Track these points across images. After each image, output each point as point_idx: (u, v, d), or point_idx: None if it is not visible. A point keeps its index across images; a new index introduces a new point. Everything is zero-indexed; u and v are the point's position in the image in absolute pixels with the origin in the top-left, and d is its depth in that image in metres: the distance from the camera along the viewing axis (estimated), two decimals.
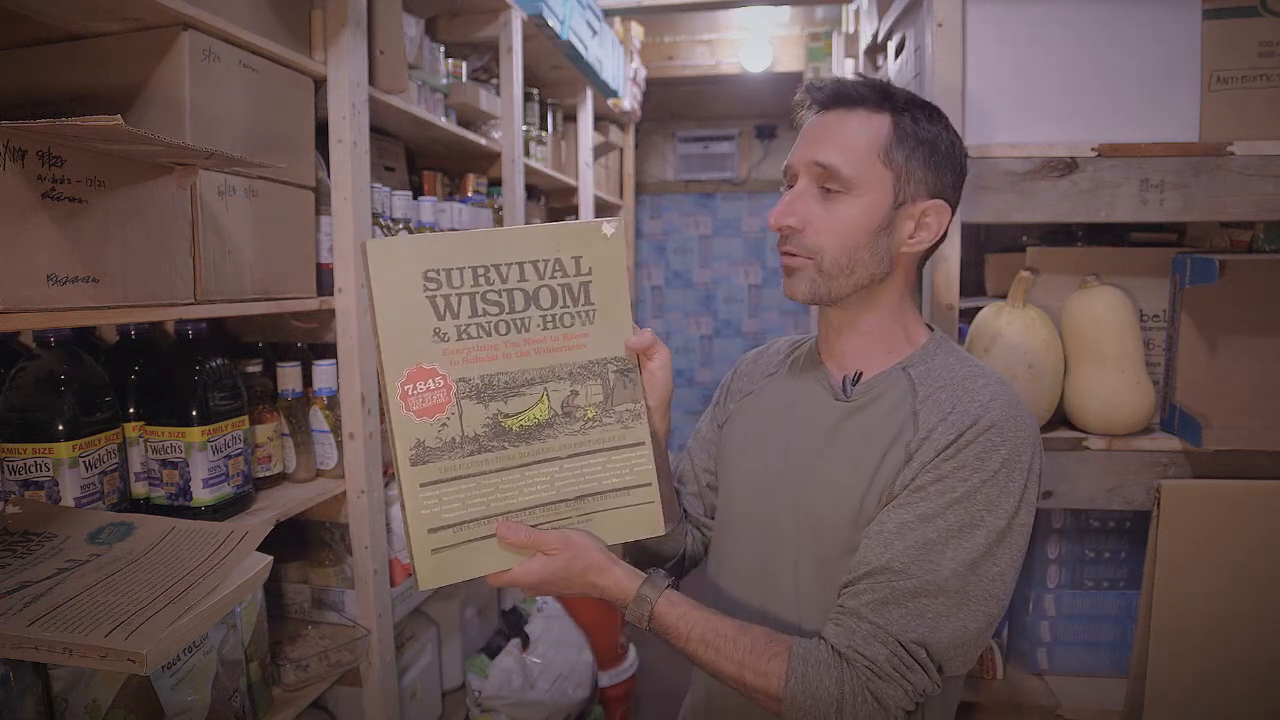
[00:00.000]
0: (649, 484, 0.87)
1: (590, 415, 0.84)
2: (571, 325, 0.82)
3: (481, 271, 0.78)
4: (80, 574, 0.88)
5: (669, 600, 0.84)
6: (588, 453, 0.84)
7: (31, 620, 0.79)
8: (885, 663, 0.80)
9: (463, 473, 0.78)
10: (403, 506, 0.76)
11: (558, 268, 0.81)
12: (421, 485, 0.76)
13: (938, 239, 0.94)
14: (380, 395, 0.77)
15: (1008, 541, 0.83)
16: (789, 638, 0.84)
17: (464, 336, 0.77)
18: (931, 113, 0.93)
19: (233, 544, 0.98)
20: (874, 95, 0.91)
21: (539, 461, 0.81)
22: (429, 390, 0.76)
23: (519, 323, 0.80)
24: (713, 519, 1.09)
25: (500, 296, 0.79)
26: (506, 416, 0.80)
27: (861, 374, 0.96)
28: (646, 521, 0.87)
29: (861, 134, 0.90)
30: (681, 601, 0.85)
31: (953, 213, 0.93)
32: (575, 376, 0.82)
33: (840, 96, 0.92)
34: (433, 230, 1.81)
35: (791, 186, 0.94)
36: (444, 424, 0.77)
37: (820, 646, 0.82)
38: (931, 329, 0.99)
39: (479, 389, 0.78)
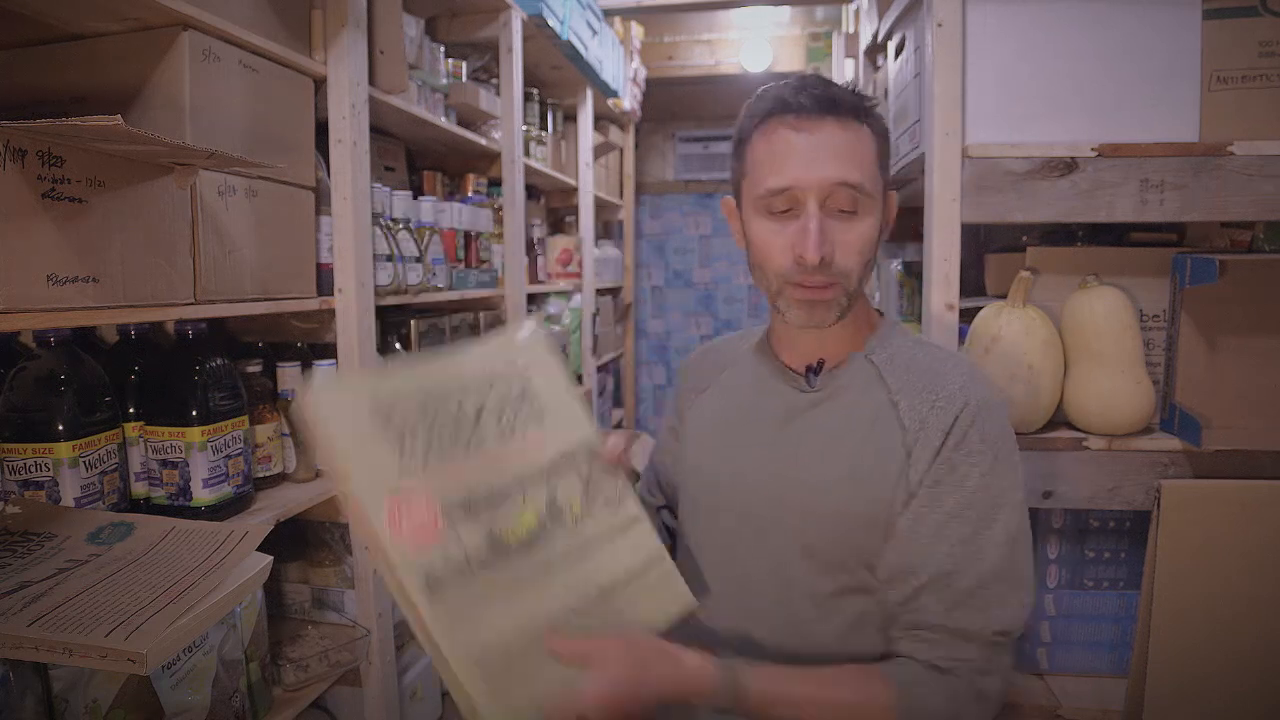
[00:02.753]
0: (660, 556, 0.84)
1: (576, 512, 0.80)
2: (526, 428, 0.80)
3: (424, 401, 0.76)
4: (80, 574, 0.88)
5: (756, 675, 0.81)
6: (590, 548, 0.80)
7: (31, 620, 0.79)
8: (981, 660, 0.83)
9: (483, 593, 0.73)
10: (436, 648, 0.70)
11: (494, 379, 0.80)
12: (449, 618, 0.70)
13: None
14: (371, 547, 0.72)
15: (1024, 507, 0.88)
16: (878, 668, 0.84)
17: (429, 462, 0.74)
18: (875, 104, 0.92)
19: (233, 544, 0.98)
20: (855, 105, 0.87)
21: (550, 573, 0.77)
22: (417, 520, 0.71)
23: (476, 439, 0.77)
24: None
25: (450, 420, 0.76)
26: (501, 531, 0.76)
27: (823, 362, 0.96)
28: (674, 595, 0.84)
29: (865, 148, 0.87)
30: (762, 676, 0.82)
31: None
32: (547, 478, 0.80)
33: (826, 105, 0.86)
34: (433, 229, 1.82)
35: (786, 211, 0.88)
36: (445, 550, 0.72)
37: (915, 666, 0.84)
38: (881, 313, 1.00)
39: (465, 507, 0.74)
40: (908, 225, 2.44)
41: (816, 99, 0.86)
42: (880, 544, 0.88)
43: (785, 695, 0.81)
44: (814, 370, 0.96)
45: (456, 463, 0.75)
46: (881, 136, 0.90)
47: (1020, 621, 0.85)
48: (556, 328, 2.88)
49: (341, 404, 0.71)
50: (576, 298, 3.13)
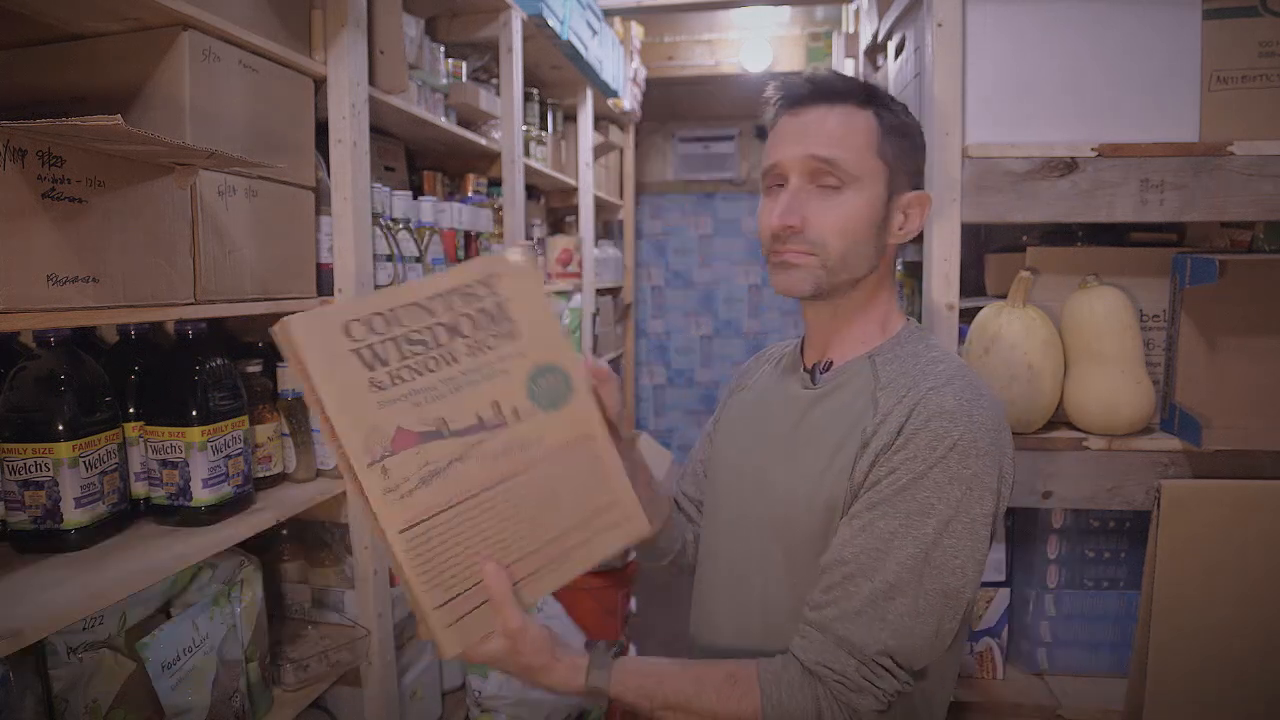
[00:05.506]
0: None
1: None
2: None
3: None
4: (486, 449, 0.78)
5: (619, 681, 0.82)
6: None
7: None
8: (855, 674, 0.80)
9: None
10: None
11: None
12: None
13: (920, 229, 0.95)
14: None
15: (960, 529, 0.81)
16: (753, 668, 0.83)
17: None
18: (903, 106, 0.95)
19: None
20: (857, 91, 0.91)
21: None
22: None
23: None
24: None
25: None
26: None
27: (832, 362, 0.97)
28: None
29: (854, 128, 0.90)
30: (632, 673, 0.83)
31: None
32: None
33: (821, 92, 0.91)
34: (433, 229, 1.82)
35: (779, 186, 0.92)
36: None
37: (790, 667, 0.83)
38: (909, 319, 0.99)
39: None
40: None
41: (814, 85, 0.91)
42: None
43: (649, 706, 0.82)
44: (822, 369, 0.97)
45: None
46: (892, 127, 0.91)
47: (919, 657, 0.81)
48: None
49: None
50: (576, 298, 3.13)
